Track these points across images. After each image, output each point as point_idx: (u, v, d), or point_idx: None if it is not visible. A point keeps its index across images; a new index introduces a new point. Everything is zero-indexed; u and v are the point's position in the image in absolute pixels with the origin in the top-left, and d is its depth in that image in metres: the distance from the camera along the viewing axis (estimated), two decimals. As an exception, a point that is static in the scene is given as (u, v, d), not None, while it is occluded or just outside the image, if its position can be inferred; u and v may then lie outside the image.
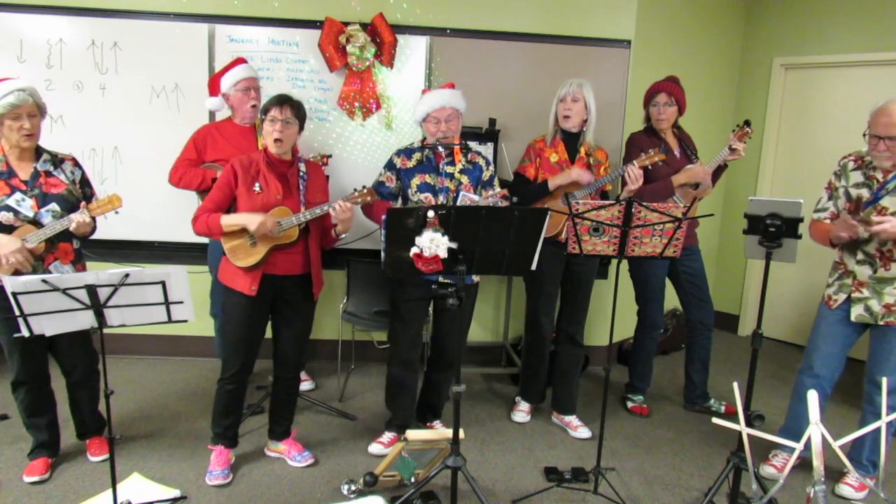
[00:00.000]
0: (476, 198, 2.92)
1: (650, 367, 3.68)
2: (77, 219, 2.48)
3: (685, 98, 3.38)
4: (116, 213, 2.60)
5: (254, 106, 3.29)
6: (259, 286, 2.64)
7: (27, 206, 2.50)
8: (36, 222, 2.51)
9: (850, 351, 2.83)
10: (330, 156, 3.44)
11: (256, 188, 2.62)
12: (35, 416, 2.74)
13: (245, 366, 2.77)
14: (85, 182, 2.72)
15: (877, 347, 2.74)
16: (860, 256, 2.68)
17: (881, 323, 2.68)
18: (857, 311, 2.72)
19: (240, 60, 3.35)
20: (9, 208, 2.47)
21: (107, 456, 2.81)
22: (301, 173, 2.73)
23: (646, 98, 3.42)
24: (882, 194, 2.61)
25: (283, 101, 2.61)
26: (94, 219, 2.58)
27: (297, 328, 2.84)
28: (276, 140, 2.59)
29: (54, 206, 2.55)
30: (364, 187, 2.74)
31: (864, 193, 2.65)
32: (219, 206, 2.63)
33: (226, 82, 3.27)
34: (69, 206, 2.57)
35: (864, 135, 2.61)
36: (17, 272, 2.46)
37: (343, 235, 2.77)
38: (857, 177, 2.71)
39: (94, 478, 2.74)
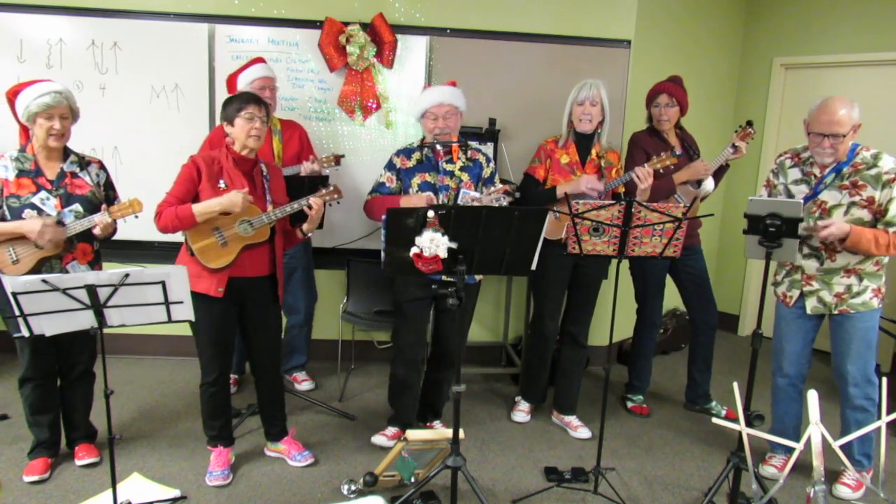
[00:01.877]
0: (477, 195, 2.91)
1: (649, 366, 3.69)
2: (99, 220, 2.52)
3: (687, 98, 3.38)
4: (136, 217, 2.62)
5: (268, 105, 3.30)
6: (226, 288, 2.59)
7: (51, 206, 2.54)
8: (58, 222, 2.54)
9: (813, 343, 2.87)
10: (343, 156, 3.39)
11: (221, 185, 2.58)
12: (39, 413, 2.74)
13: (224, 368, 2.76)
14: (109, 185, 2.76)
15: (837, 338, 2.78)
16: (806, 251, 2.72)
17: (836, 312, 2.72)
18: (811, 304, 2.76)
19: (258, 60, 3.36)
20: (33, 206, 2.52)
21: (93, 460, 2.83)
22: (264, 174, 2.72)
23: (648, 98, 3.42)
24: (820, 189, 2.66)
25: (259, 100, 2.59)
26: (115, 221, 2.63)
27: (266, 329, 2.81)
28: (254, 137, 2.57)
29: (77, 206, 2.59)
30: (331, 185, 2.76)
31: (804, 189, 2.70)
32: (182, 201, 2.56)
33: (242, 80, 3.28)
34: (92, 207, 2.61)
35: (808, 133, 2.63)
36: (36, 269, 2.51)
37: (309, 234, 2.77)
38: (795, 174, 2.75)
39: (94, 478, 2.74)
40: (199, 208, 2.50)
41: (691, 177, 3.26)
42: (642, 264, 3.52)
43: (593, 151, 3.17)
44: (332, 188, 2.75)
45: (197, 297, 2.56)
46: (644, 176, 2.99)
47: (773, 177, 2.86)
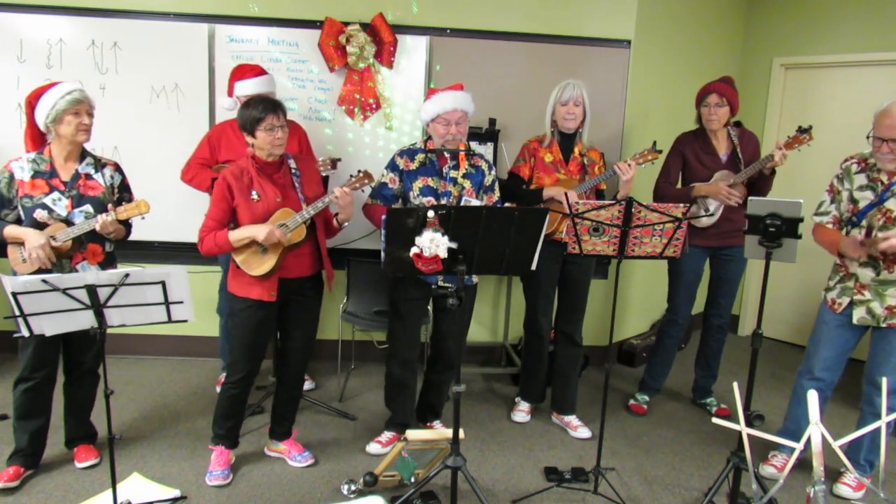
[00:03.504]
0: (477, 203, 2.92)
1: (667, 366, 3.65)
2: (101, 219, 2.52)
3: (737, 99, 3.33)
4: (143, 218, 2.63)
5: None
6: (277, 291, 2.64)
7: (62, 206, 2.57)
8: (68, 222, 2.56)
9: (851, 353, 2.81)
10: (339, 159, 3.36)
11: (254, 196, 2.60)
12: (24, 418, 2.70)
13: (252, 371, 2.76)
14: (124, 187, 2.76)
15: (878, 349, 2.72)
16: (863, 259, 2.65)
17: (884, 325, 2.66)
18: (859, 314, 2.70)
19: (259, 71, 3.29)
20: (44, 206, 2.54)
21: (93, 461, 2.83)
22: (293, 170, 2.71)
23: (697, 98, 3.34)
24: (887, 196, 2.58)
25: (276, 105, 2.58)
26: (126, 223, 2.67)
27: (306, 329, 2.84)
28: (279, 146, 2.59)
29: (88, 207, 2.60)
30: (360, 171, 2.75)
31: (869, 195, 2.64)
32: (221, 222, 2.61)
33: (239, 89, 3.25)
34: (103, 209, 2.62)
35: (868, 136, 2.59)
36: (39, 269, 2.51)
37: (346, 224, 2.78)
38: (860, 179, 2.68)
39: (94, 478, 2.74)
40: (233, 236, 2.58)
41: (711, 195, 3.22)
42: (680, 260, 3.34)
43: (576, 150, 3.20)
44: (361, 174, 2.76)
45: (241, 300, 2.64)
46: (625, 168, 3.01)
47: (837, 182, 2.78)
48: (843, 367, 2.83)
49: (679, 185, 3.43)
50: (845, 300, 2.74)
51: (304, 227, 2.64)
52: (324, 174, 3.33)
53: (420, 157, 2.94)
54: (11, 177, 2.55)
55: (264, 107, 2.55)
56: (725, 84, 3.31)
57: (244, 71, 3.28)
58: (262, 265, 2.61)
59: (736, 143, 3.34)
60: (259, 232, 2.54)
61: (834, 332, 2.78)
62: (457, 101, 2.85)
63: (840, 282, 2.77)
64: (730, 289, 3.52)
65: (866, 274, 2.66)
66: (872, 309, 2.67)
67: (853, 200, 2.69)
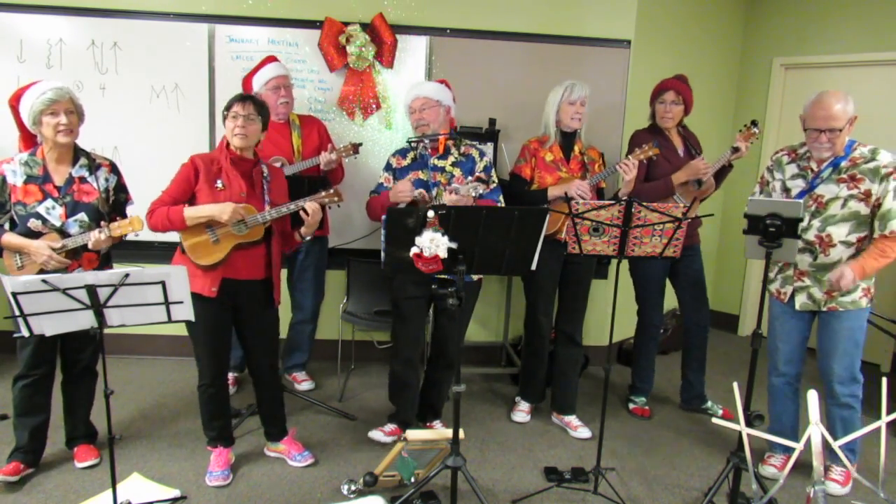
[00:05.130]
0: (467, 188, 2.90)
1: (651, 367, 3.66)
2: (94, 237, 2.50)
3: (692, 97, 3.38)
4: (136, 235, 2.62)
5: (286, 103, 3.33)
6: (219, 288, 2.59)
7: (56, 216, 2.53)
8: (62, 231, 2.54)
9: (807, 342, 2.87)
10: (360, 144, 3.38)
11: (219, 185, 2.58)
12: (23, 415, 2.70)
13: (221, 369, 2.75)
14: (120, 187, 2.73)
15: (824, 336, 2.78)
16: (800, 245, 2.70)
17: (824, 309, 2.73)
18: (800, 300, 2.77)
19: (270, 59, 3.37)
20: (38, 216, 2.51)
21: (94, 461, 2.83)
22: (264, 175, 2.71)
23: (653, 95, 3.41)
24: (817, 183, 2.67)
25: (245, 97, 2.61)
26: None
27: (262, 332, 2.80)
28: (238, 136, 2.57)
29: (83, 216, 2.57)
30: (332, 188, 2.74)
31: (800, 183, 2.72)
32: (176, 201, 2.56)
33: (256, 82, 3.30)
34: (98, 216, 2.60)
35: (805, 129, 2.65)
36: (42, 271, 2.51)
37: (307, 238, 2.76)
38: (792, 169, 2.78)
39: (94, 478, 2.74)
40: (189, 213, 2.52)
41: (690, 176, 3.26)
42: (642, 265, 3.51)
43: (576, 148, 3.21)
44: (331, 191, 2.72)
45: (192, 298, 2.56)
46: (629, 167, 3.02)
47: (768, 174, 2.88)
48: (804, 356, 2.89)
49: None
50: (789, 289, 2.81)
51: (262, 227, 2.62)
52: (346, 159, 3.37)
53: (412, 153, 3.01)
54: (3, 180, 2.51)
55: (236, 97, 2.60)
56: (682, 83, 3.36)
57: (257, 66, 3.35)
58: (210, 255, 2.56)
59: (689, 141, 3.42)
60: (224, 210, 2.49)
61: (787, 323, 2.85)
62: (418, 90, 3.01)
63: (780, 272, 2.85)
64: (700, 289, 3.54)
65: (804, 260, 2.73)
66: (812, 294, 2.74)
67: (786, 189, 2.77)
